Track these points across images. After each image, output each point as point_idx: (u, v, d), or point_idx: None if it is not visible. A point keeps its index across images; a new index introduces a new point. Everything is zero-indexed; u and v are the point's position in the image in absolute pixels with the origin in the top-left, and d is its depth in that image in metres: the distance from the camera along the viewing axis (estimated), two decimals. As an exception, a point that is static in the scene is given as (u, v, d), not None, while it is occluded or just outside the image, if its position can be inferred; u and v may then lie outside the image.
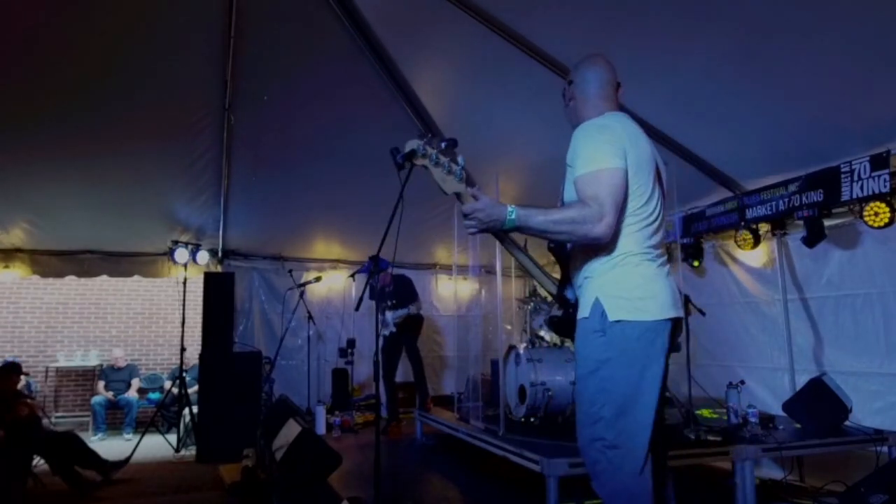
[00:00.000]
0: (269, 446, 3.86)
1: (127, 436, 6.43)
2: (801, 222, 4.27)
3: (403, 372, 6.45)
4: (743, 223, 4.72)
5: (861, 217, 3.85)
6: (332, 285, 7.32)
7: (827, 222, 4.14)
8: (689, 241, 5.28)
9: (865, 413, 3.95)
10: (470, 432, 4.35)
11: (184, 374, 5.79)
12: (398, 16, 4.47)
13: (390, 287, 5.91)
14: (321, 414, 6.18)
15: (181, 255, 5.93)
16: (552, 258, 2.18)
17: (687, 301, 4.30)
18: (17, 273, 5.97)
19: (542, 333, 4.93)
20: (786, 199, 4.34)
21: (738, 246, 4.85)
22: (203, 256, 6.16)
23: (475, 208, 1.83)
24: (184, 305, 5.79)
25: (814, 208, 4.12)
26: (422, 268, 7.76)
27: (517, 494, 3.89)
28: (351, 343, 6.73)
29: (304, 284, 6.48)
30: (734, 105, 3.94)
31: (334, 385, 7.03)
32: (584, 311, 1.90)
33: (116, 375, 6.95)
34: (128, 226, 6.05)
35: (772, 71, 3.53)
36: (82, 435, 4.89)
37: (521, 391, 4.48)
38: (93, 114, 4.70)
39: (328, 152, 5.57)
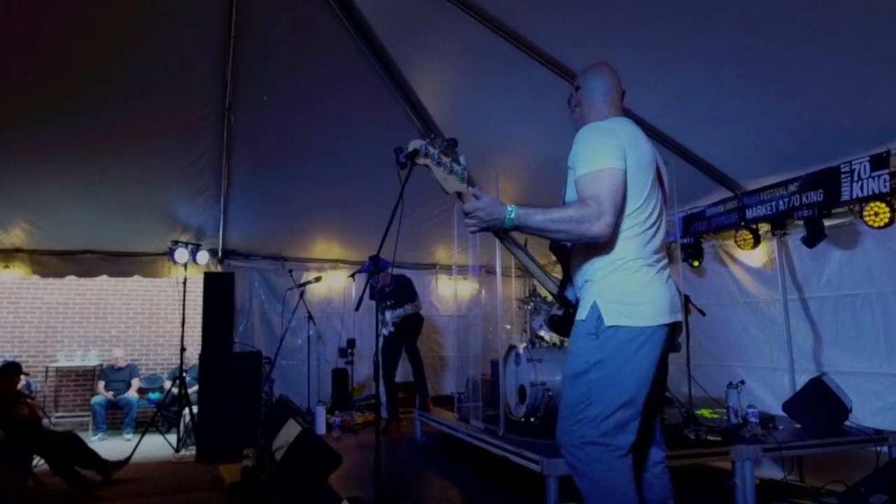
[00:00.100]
0: (269, 446, 3.86)
1: (127, 436, 6.43)
2: (801, 222, 4.27)
3: (403, 372, 6.45)
4: (743, 223, 4.72)
5: (861, 217, 3.85)
6: (332, 285, 7.32)
7: (827, 222, 4.14)
8: (689, 241, 5.28)
9: (865, 413, 3.95)
10: (470, 432, 4.35)
11: (184, 374, 5.79)
12: (398, 16, 4.47)
13: (390, 287, 5.92)
14: (321, 414, 6.18)
15: (181, 255, 5.93)
16: (553, 258, 2.19)
17: (687, 301, 4.30)
18: (17, 273, 5.97)
19: (542, 333, 4.92)
20: (786, 199, 4.34)
21: (738, 246, 4.85)
22: (203, 256, 6.15)
23: (476, 207, 1.87)
24: (184, 305, 5.79)
25: (814, 208, 4.11)
26: (422, 268, 7.76)
27: (517, 494, 3.89)
28: (351, 343, 6.73)
29: (304, 284, 6.48)
30: (734, 105, 3.93)
31: (334, 385, 7.03)
32: (581, 314, 1.94)
33: (116, 375, 6.95)
34: (128, 226, 6.05)
35: (772, 71, 3.53)
36: (82, 435, 4.89)
37: (521, 391, 4.48)
38: (93, 114, 4.70)
39: (328, 152, 5.58)
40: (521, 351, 4.60)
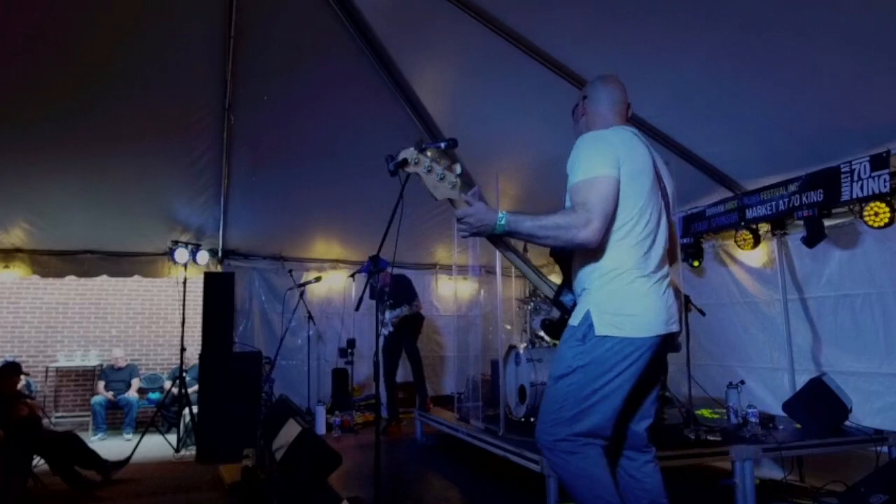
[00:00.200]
0: (269, 446, 3.86)
1: (127, 436, 6.43)
2: (801, 222, 4.27)
3: (403, 372, 6.45)
4: (743, 223, 4.72)
5: (861, 217, 3.85)
6: (332, 285, 7.32)
7: (827, 222, 4.14)
8: (689, 241, 5.28)
9: (865, 413, 3.95)
10: (470, 432, 4.35)
11: (184, 374, 5.79)
12: (398, 15, 4.47)
13: (389, 287, 5.92)
14: (321, 414, 6.18)
15: (181, 255, 5.93)
16: (550, 260, 2.20)
17: (687, 301, 4.30)
18: (17, 273, 5.97)
19: (542, 333, 4.92)
20: (786, 199, 4.34)
21: (738, 246, 4.84)
22: (203, 256, 6.15)
23: (467, 213, 1.94)
24: (184, 305, 5.79)
25: (814, 208, 4.11)
26: (422, 268, 7.76)
27: (517, 494, 3.88)
28: (351, 343, 6.73)
29: (304, 284, 6.48)
30: (734, 105, 3.93)
31: (334, 385, 7.03)
32: (575, 319, 1.98)
33: (116, 375, 6.95)
34: (128, 226, 6.05)
35: (772, 71, 3.53)
36: (82, 435, 4.89)
37: (521, 391, 4.48)
38: (93, 114, 4.70)
39: (328, 152, 5.58)
40: (521, 351, 4.60)
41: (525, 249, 3.49)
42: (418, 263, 7.68)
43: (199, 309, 5.50)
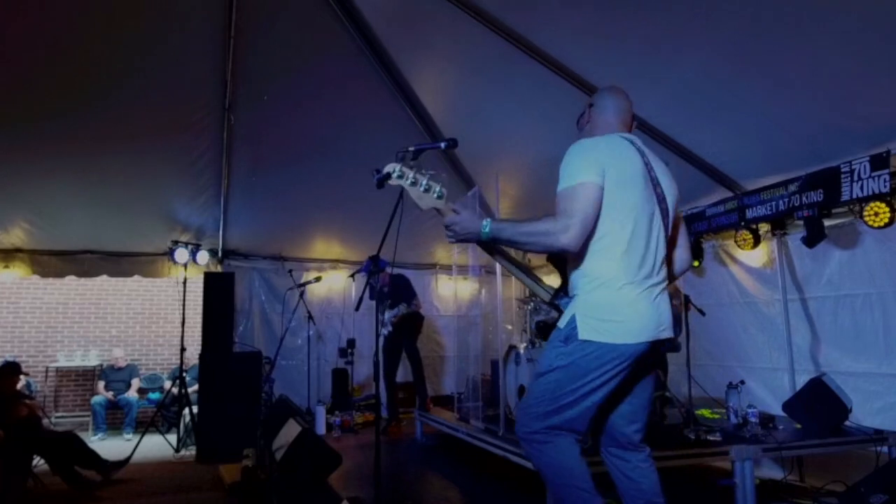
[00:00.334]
0: (269, 446, 3.87)
1: (127, 436, 6.43)
2: (801, 222, 4.26)
3: (403, 372, 6.45)
4: (743, 223, 4.71)
5: (861, 217, 3.85)
6: (332, 285, 7.32)
7: (827, 222, 4.13)
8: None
9: (865, 413, 3.95)
10: (470, 432, 4.35)
11: (184, 374, 5.79)
12: (398, 15, 4.47)
13: (388, 286, 5.92)
14: (321, 414, 6.18)
15: (181, 254, 5.93)
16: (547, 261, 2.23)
17: (687, 301, 4.30)
18: (17, 273, 5.97)
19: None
20: (786, 199, 4.34)
21: (738, 246, 4.84)
22: (203, 256, 6.16)
23: (453, 221, 2.04)
24: (184, 305, 5.79)
25: (814, 208, 4.11)
26: (422, 268, 7.76)
27: (517, 494, 3.88)
28: (351, 343, 6.73)
29: (304, 284, 6.48)
30: (734, 105, 3.93)
31: (334, 385, 7.03)
32: (561, 322, 2.02)
33: (116, 375, 6.95)
34: (128, 226, 6.05)
35: (772, 70, 3.52)
36: (82, 435, 4.89)
37: (521, 391, 4.48)
38: (92, 113, 4.70)
39: (328, 152, 5.58)
40: (521, 351, 4.60)
41: (525, 254, 3.51)
42: (418, 263, 7.68)
43: (199, 309, 5.50)
